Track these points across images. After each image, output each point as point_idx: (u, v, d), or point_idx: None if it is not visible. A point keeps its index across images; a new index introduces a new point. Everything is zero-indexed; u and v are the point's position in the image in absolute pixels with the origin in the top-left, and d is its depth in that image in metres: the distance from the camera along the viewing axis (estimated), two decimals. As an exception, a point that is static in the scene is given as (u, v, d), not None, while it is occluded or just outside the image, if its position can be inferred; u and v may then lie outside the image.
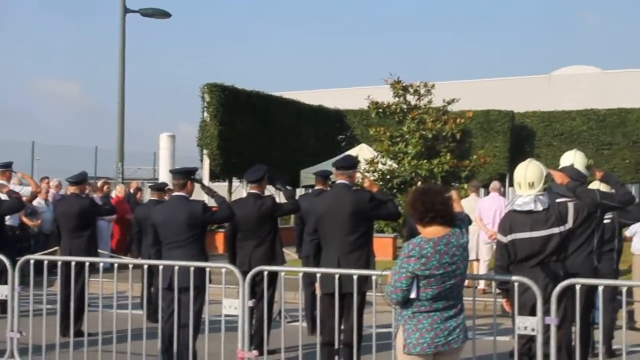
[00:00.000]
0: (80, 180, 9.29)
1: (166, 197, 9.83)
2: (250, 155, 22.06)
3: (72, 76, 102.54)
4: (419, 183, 17.45)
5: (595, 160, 24.69)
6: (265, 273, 6.35)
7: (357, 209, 6.62)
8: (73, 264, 7.14)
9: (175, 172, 7.42)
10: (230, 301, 6.19)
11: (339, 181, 6.89)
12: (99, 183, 9.76)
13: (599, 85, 35.13)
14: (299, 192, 24.47)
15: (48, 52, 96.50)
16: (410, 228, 7.87)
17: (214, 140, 21.71)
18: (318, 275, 6.35)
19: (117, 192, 15.03)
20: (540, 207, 5.94)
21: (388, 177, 18.19)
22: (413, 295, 4.41)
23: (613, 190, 6.64)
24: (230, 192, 23.14)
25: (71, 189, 9.37)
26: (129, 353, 6.59)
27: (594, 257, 6.66)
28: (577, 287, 5.35)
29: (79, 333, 7.66)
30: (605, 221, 7.11)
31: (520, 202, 6.01)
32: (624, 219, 7.75)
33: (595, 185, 7.13)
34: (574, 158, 7.11)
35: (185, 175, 7.26)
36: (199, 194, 8.29)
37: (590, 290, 6.42)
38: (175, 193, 7.26)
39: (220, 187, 24.79)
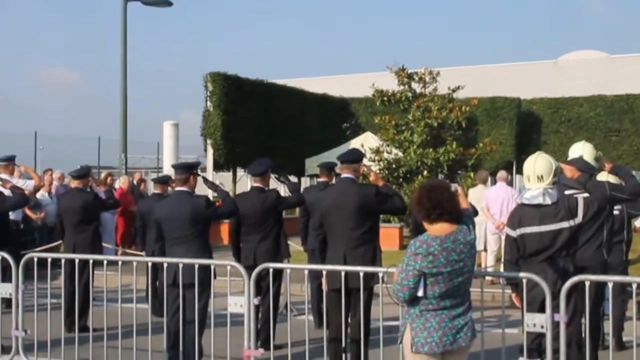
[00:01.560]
0: (83, 174, 9.22)
1: (170, 189, 9.76)
2: (255, 144, 21.98)
3: (75, 66, 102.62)
4: (425, 172, 17.39)
5: (603, 147, 24.48)
6: (271, 270, 6.28)
7: (362, 204, 6.53)
8: (77, 260, 7.08)
9: (177, 167, 7.34)
10: (235, 299, 6.12)
11: (344, 175, 6.81)
12: (102, 176, 9.69)
13: (606, 70, 34.84)
14: (304, 181, 24.44)
15: (50, 42, 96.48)
16: (416, 221, 7.77)
17: (218, 130, 21.57)
18: (324, 272, 6.27)
19: (121, 183, 14.93)
20: (549, 201, 5.88)
21: (394, 166, 18.10)
22: (420, 293, 4.36)
23: (622, 182, 6.55)
24: (234, 182, 23.06)
25: (74, 183, 9.30)
26: (135, 349, 6.54)
27: (604, 249, 6.58)
28: (587, 283, 5.27)
29: (84, 328, 7.60)
30: (614, 212, 7.03)
31: (528, 195, 5.95)
32: (633, 209, 7.65)
33: (603, 176, 7.03)
34: (582, 149, 7.00)
35: (188, 170, 7.17)
36: (203, 189, 8.23)
37: (600, 284, 6.33)
38: (178, 188, 7.18)
39: (225, 177, 24.78)
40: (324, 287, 6.41)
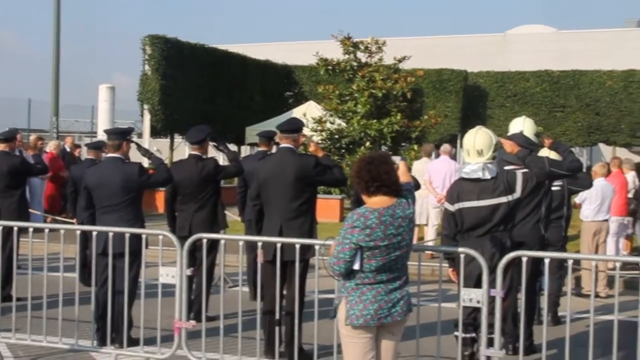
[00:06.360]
0: (9, 137, 8.86)
1: (103, 155, 9.45)
2: (194, 111, 21.62)
3: (5, 24, 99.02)
4: (368, 143, 17.33)
5: (547, 122, 24.79)
6: (205, 240, 6.10)
7: (301, 175, 6.40)
8: (1, 227, 6.76)
9: (110, 133, 7.12)
10: (167, 269, 5.96)
11: (283, 145, 6.65)
12: (31, 139, 9.25)
13: (554, 45, 35.24)
14: (244, 150, 24.16)
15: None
16: (357, 193, 7.67)
17: (156, 95, 21.10)
18: (259, 244, 6.12)
19: (51, 148, 14.45)
20: (488, 176, 5.86)
21: (336, 136, 18.00)
22: (356, 266, 4.31)
23: (561, 158, 6.54)
24: (172, 149, 22.66)
25: (0, 147, 8.89)
26: (61, 319, 6.32)
27: (542, 225, 6.62)
28: (524, 259, 5.25)
29: (7, 298, 7.33)
30: (554, 188, 7.08)
31: (468, 169, 5.93)
32: (574, 186, 7.71)
33: (544, 152, 7.02)
34: (523, 125, 6.97)
35: (120, 136, 6.96)
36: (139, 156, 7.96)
37: (537, 259, 6.34)
38: (110, 154, 6.93)
39: (162, 144, 24.29)
40: (259, 258, 6.26)
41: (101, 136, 16.89)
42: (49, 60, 20.70)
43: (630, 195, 11.53)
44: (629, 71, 25.62)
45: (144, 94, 21.32)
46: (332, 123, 18.30)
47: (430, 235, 12.40)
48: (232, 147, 22.43)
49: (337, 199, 16.40)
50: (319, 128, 17.89)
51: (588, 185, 8.02)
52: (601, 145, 28.51)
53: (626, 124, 25.55)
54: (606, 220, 9.83)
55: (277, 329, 6.15)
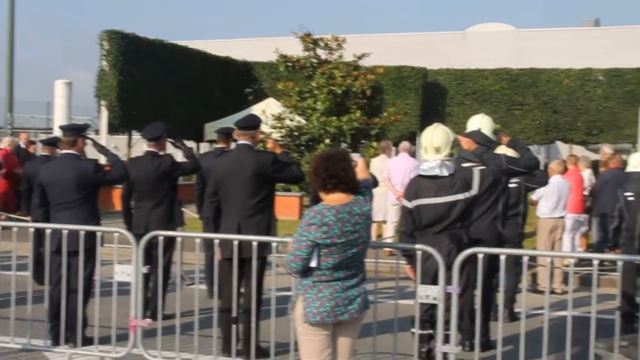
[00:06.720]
0: (-39, 133, 8.64)
1: (58, 152, 9.28)
2: (152, 107, 21.40)
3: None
4: (327, 140, 17.34)
5: (506, 120, 25.01)
6: (161, 238, 6.04)
7: (259, 172, 6.36)
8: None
9: (65, 129, 7.02)
10: (122, 267, 5.89)
11: (240, 142, 6.60)
12: (-16, 136, 9.05)
13: (513, 43, 35.60)
14: (203, 146, 23.99)
15: None
16: (315, 191, 7.66)
17: (113, 91, 20.88)
18: (216, 241, 6.06)
19: (5, 144, 14.16)
20: (445, 173, 5.88)
21: (296, 133, 17.98)
22: (313, 264, 4.29)
23: (519, 155, 6.60)
24: (129, 145, 22.41)
25: (-48, 143, 8.69)
26: (13, 318, 6.21)
27: (499, 222, 6.67)
28: (480, 256, 5.28)
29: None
30: (511, 185, 7.13)
31: (425, 167, 5.95)
32: (530, 183, 7.77)
33: (502, 150, 7.08)
34: (481, 122, 7.00)
35: (76, 132, 6.86)
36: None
37: (493, 256, 6.38)
38: (65, 151, 6.82)
39: (120, 141, 23.99)
40: (217, 256, 6.22)
41: (57, 132, 16.64)
42: (3, 55, 20.33)
43: (586, 192, 11.70)
44: (586, 70, 26.00)
45: (101, 90, 21.05)
46: (291, 120, 18.27)
47: (389, 232, 12.43)
48: (191, 144, 22.29)
49: (296, 196, 16.35)
50: (278, 125, 17.84)
51: (544, 182, 8.10)
52: (558, 143, 28.92)
53: (582, 122, 25.92)
54: (562, 217, 9.96)
55: (234, 326, 6.11)
